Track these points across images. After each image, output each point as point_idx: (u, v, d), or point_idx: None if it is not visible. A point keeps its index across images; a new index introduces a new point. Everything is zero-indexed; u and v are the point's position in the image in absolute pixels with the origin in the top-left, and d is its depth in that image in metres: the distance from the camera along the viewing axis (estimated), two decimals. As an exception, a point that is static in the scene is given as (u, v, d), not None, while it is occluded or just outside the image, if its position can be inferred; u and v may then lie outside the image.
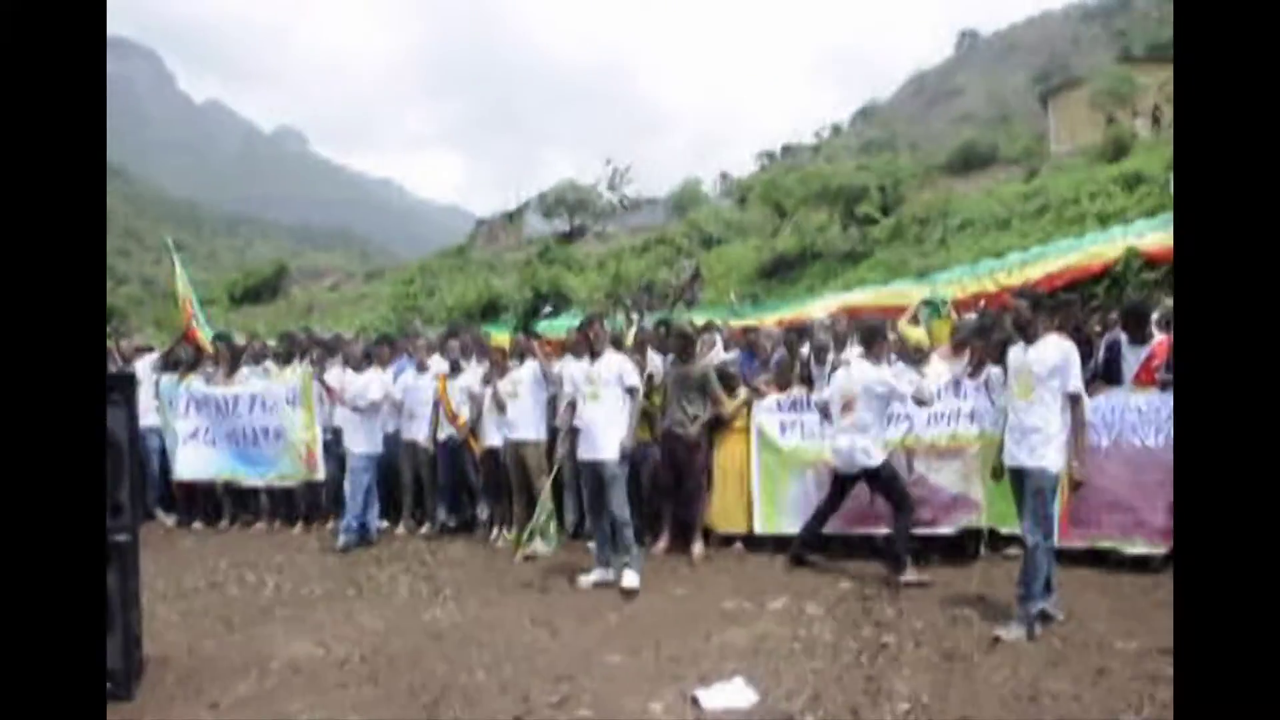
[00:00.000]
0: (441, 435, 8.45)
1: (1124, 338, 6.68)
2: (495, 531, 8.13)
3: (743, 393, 7.46)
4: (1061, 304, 7.66)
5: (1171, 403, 6.00)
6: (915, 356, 6.91)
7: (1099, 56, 51.11)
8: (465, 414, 8.31)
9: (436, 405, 8.48)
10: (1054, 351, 4.90)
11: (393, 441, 8.58)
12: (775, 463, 7.22)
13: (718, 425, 7.33)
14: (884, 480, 6.24)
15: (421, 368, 8.74)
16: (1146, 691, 4.03)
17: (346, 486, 8.07)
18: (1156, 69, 33.52)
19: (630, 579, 6.13)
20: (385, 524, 8.56)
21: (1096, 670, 4.32)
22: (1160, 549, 5.94)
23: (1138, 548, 6.04)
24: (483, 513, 8.40)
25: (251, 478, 9.10)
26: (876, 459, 6.17)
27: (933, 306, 8.54)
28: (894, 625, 5.14)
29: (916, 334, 7.22)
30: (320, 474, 8.66)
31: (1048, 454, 4.88)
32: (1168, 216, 11.81)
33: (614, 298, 22.20)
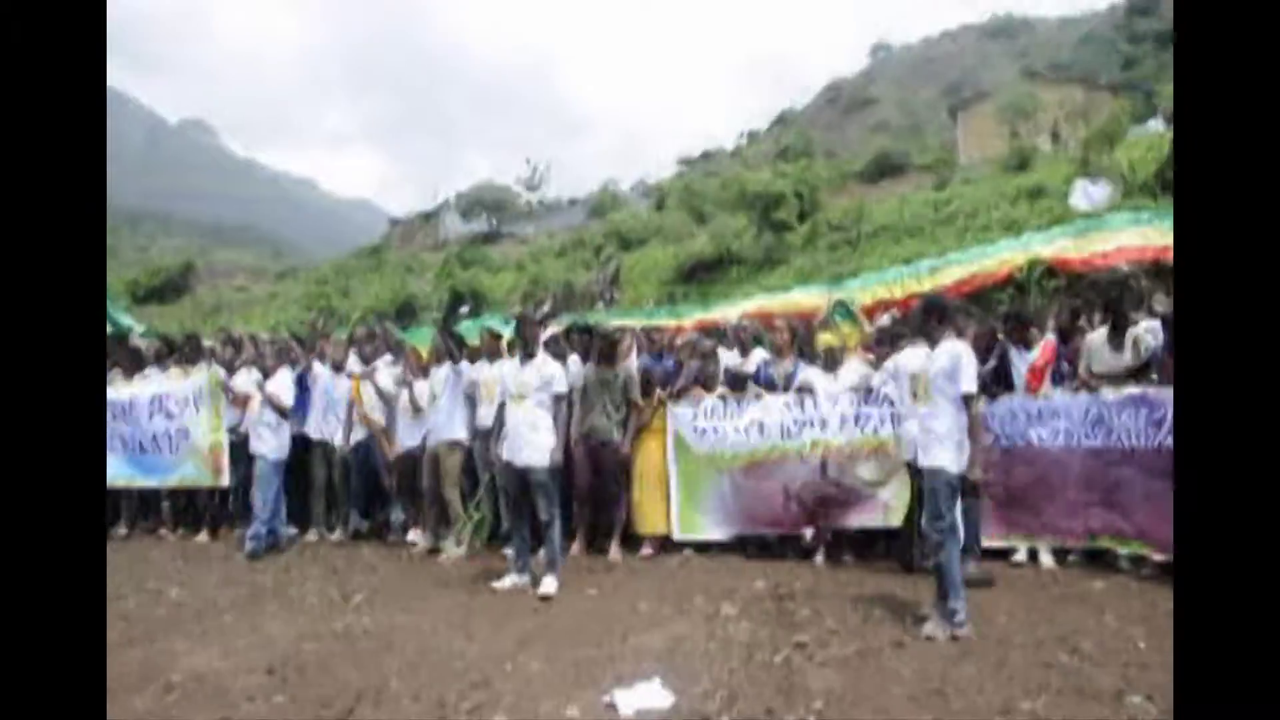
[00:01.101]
0: (355, 438, 8.28)
1: (1010, 344, 6.93)
2: (410, 536, 8.01)
3: (661, 393, 7.51)
4: (967, 310, 7.91)
5: (1070, 403, 6.28)
6: (831, 360, 7.05)
7: (1004, 73, 53.01)
8: (379, 416, 8.17)
9: (350, 407, 8.30)
10: (947, 355, 5.03)
11: (303, 444, 8.36)
12: (692, 467, 7.28)
13: (637, 429, 7.35)
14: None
15: (337, 368, 8.55)
16: (1043, 680, 4.21)
17: (254, 491, 7.82)
18: (1056, 87, 35.04)
19: (549, 585, 6.10)
20: (295, 530, 8.34)
21: (998, 662, 4.48)
22: (1063, 544, 6.19)
23: (1040, 544, 6.27)
24: (396, 517, 8.26)
25: (150, 483, 8.76)
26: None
27: (844, 309, 8.72)
28: (808, 624, 5.23)
29: (830, 338, 7.36)
30: (226, 479, 8.38)
31: (942, 455, 5.00)
32: (1067, 227, 12.33)
33: (532, 299, 22.07)
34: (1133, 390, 6.06)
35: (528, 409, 6.23)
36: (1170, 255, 9.82)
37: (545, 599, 5.98)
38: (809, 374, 7.07)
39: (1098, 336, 6.60)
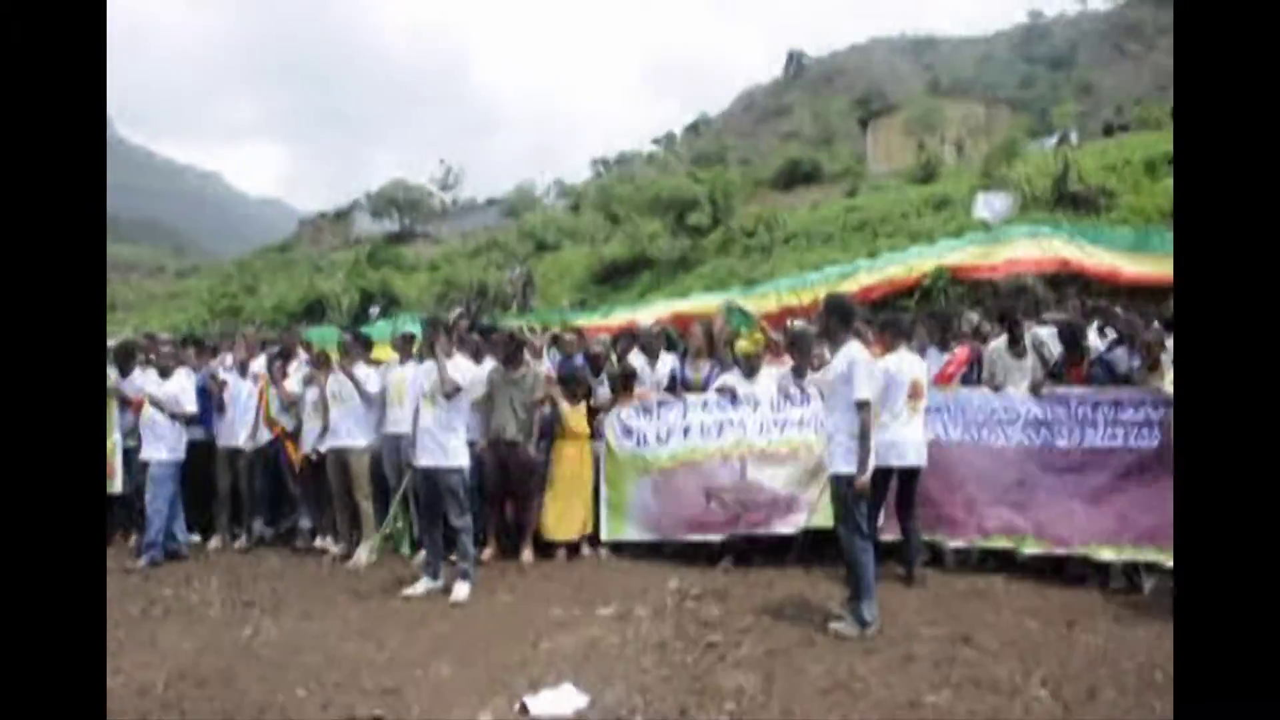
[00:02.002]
0: (259, 441, 8.04)
1: (928, 345, 7.18)
2: (317, 542, 7.81)
3: (603, 391, 7.51)
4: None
5: (969, 402, 6.49)
6: (749, 365, 7.14)
7: (911, 87, 54.63)
8: (285, 419, 7.94)
9: (256, 410, 8.05)
10: (843, 361, 5.11)
11: (206, 449, 8.07)
12: (616, 470, 7.29)
13: (557, 433, 7.32)
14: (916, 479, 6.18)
15: (242, 370, 8.28)
16: (946, 674, 4.35)
17: (148, 498, 7.45)
18: (960, 103, 36.30)
19: (461, 590, 6.03)
20: (195, 538, 8.04)
21: (904, 657, 4.61)
22: (958, 542, 6.39)
23: (939, 538, 6.47)
24: (304, 523, 8.04)
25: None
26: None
27: (740, 315, 8.84)
28: (720, 624, 5.28)
29: (747, 343, 7.45)
30: (120, 485, 8.00)
31: (839, 460, 5.09)
32: (972, 236, 12.78)
33: (445, 301, 21.78)
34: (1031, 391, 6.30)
35: (441, 411, 6.14)
36: (1066, 266, 10.28)
37: (457, 604, 5.90)
38: (729, 377, 7.15)
39: (999, 345, 6.84)
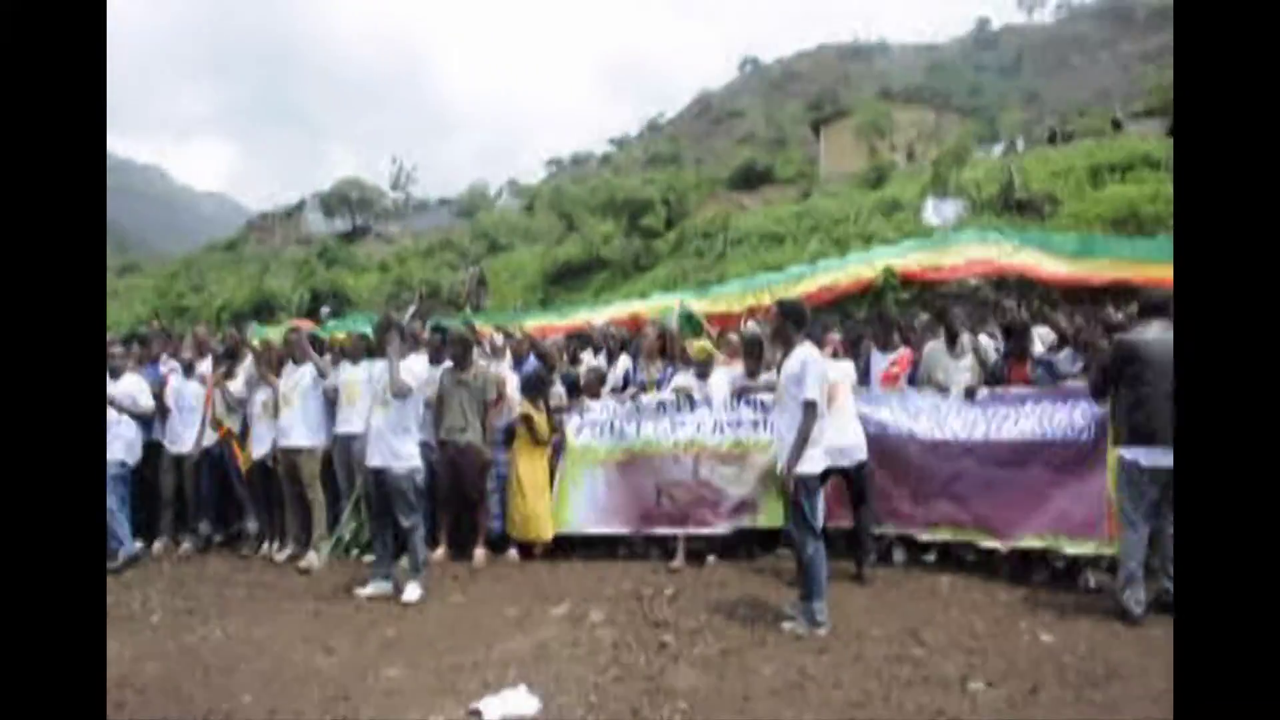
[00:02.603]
0: (205, 443, 7.87)
1: (873, 346, 7.37)
2: (265, 546, 7.67)
3: (558, 390, 7.49)
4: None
5: (912, 400, 6.60)
6: (703, 366, 7.17)
7: (863, 92, 55.28)
8: (232, 421, 7.79)
9: (203, 412, 7.89)
10: (796, 362, 5.17)
11: (151, 451, 7.89)
12: (573, 465, 7.31)
13: (523, 438, 7.26)
14: (867, 473, 6.30)
15: (188, 370, 8.10)
16: (895, 671, 4.42)
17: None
18: (910, 109, 36.82)
19: (412, 592, 5.97)
20: (140, 543, 7.85)
21: (854, 655, 4.67)
22: (906, 531, 6.49)
23: (888, 530, 6.57)
24: (251, 527, 7.89)
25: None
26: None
27: (686, 318, 8.89)
28: (673, 625, 5.29)
29: (701, 345, 7.48)
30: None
31: (802, 458, 5.12)
32: (920, 240, 13.01)
33: (397, 300, 21.56)
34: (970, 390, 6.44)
35: (392, 411, 6.07)
36: (1012, 270, 10.50)
37: (408, 606, 5.84)
38: (685, 378, 7.19)
39: (937, 346, 6.96)
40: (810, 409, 5.06)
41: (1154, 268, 9.11)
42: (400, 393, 6.00)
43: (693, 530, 6.87)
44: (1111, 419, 5.52)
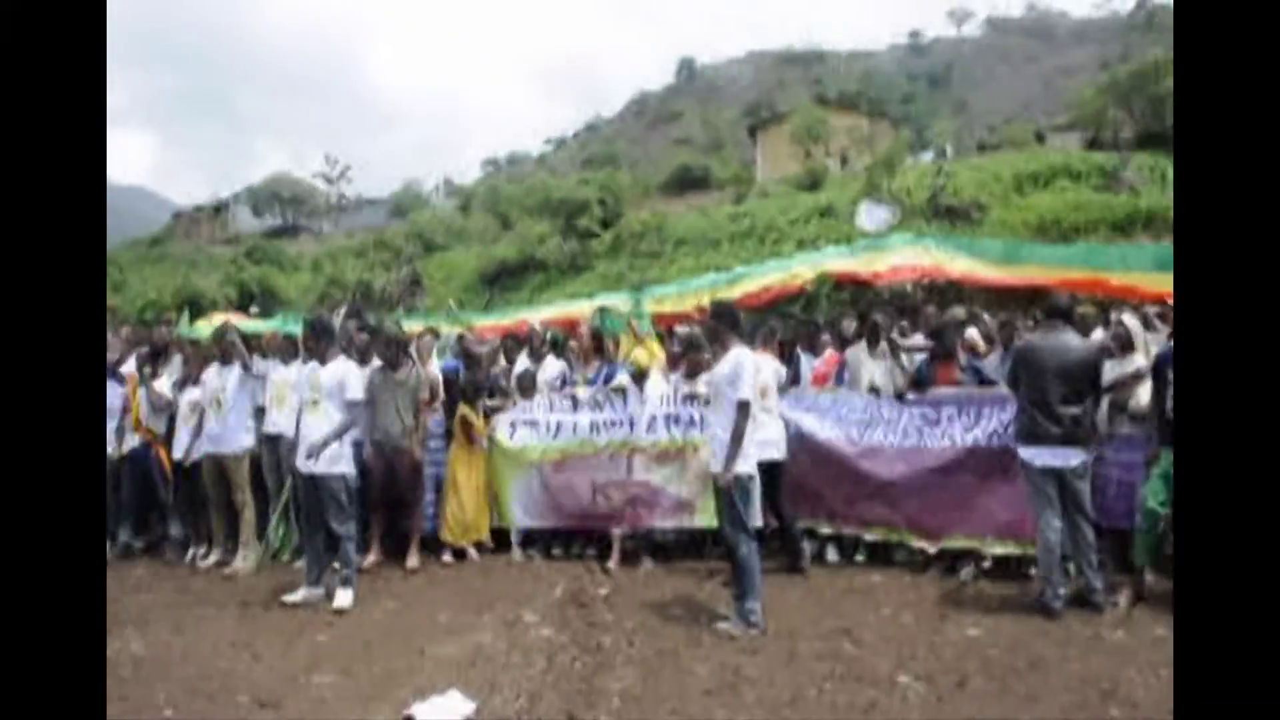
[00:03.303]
0: (126, 446, 7.61)
1: (800, 349, 7.50)
2: (189, 552, 7.44)
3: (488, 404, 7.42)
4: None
5: (847, 403, 6.70)
6: (639, 367, 7.18)
7: (799, 98, 55.98)
8: (156, 423, 7.55)
9: (124, 413, 7.62)
10: (730, 363, 5.22)
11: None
12: (505, 462, 7.28)
13: (459, 440, 7.20)
14: (781, 473, 6.34)
15: (111, 371, 7.81)
16: (828, 669, 4.47)
17: None
18: (844, 115, 37.40)
19: (344, 598, 5.86)
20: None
21: (788, 654, 4.71)
22: (840, 530, 6.58)
23: (823, 528, 6.66)
24: (175, 532, 7.64)
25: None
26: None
27: (611, 317, 8.90)
28: (608, 627, 5.29)
29: (635, 346, 7.49)
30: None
31: (722, 460, 5.17)
32: (854, 245, 13.22)
33: (329, 300, 21.15)
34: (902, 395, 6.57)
35: (322, 414, 5.94)
36: (942, 274, 10.72)
37: (340, 612, 5.73)
38: (622, 378, 7.19)
39: (860, 349, 7.09)
40: (744, 409, 5.10)
41: (1075, 273, 9.41)
42: (337, 394, 5.91)
43: (629, 528, 6.86)
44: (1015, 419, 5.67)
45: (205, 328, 10.09)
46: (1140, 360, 5.86)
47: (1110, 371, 5.80)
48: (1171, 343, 5.72)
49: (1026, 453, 5.33)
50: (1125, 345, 6.02)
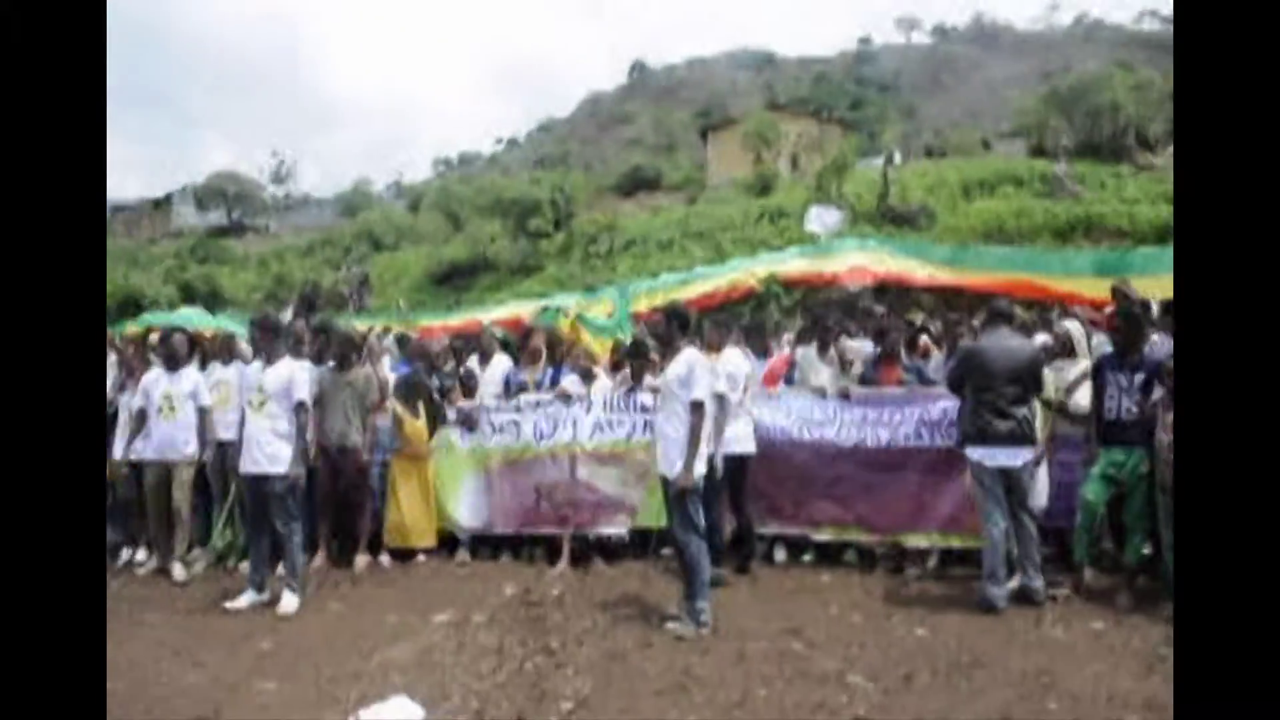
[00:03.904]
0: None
1: (749, 352, 7.50)
2: (124, 556, 7.23)
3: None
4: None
5: (794, 404, 6.75)
6: (587, 369, 7.16)
7: (750, 102, 56.44)
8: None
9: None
10: (682, 365, 5.24)
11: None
12: (454, 464, 7.22)
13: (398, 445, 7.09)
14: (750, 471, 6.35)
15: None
16: (777, 669, 4.50)
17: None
18: (795, 119, 37.79)
19: (289, 602, 5.75)
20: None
21: (738, 654, 4.73)
22: (790, 530, 6.63)
23: (771, 529, 6.71)
24: (111, 538, 7.42)
25: None
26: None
27: (554, 313, 8.92)
28: (558, 629, 5.27)
29: (593, 349, 7.48)
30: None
31: (679, 461, 5.16)
32: (803, 248, 13.38)
33: (275, 299, 20.80)
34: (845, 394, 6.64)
35: (266, 416, 5.83)
36: (890, 277, 10.90)
37: (284, 617, 5.62)
38: (568, 380, 7.17)
39: (809, 350, 7.17)
40: (699, 410, 5.12)
41: (1020, 277, 9.63)
42: (283, 395, 5.81)
43: (574, 531, 6.85)
44: (959, 420, 5.78)
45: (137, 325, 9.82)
46: (1084, 364, 6.00)
47: (1058, 375, 5.93)
48: (1108, 348, 5.87)
49: (977, 453, 5.43)
50: (1068, 349, 6.16)
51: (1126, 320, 5.74)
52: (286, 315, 11.28)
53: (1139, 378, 5.44)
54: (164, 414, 6.81)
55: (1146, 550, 5.65)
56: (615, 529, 6.86)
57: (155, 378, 6.96)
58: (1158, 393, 5.32)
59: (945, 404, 6.17)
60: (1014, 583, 5.44)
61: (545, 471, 7.00)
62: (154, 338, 7.40)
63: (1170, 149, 23.06)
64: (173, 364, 6.96)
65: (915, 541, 6.25)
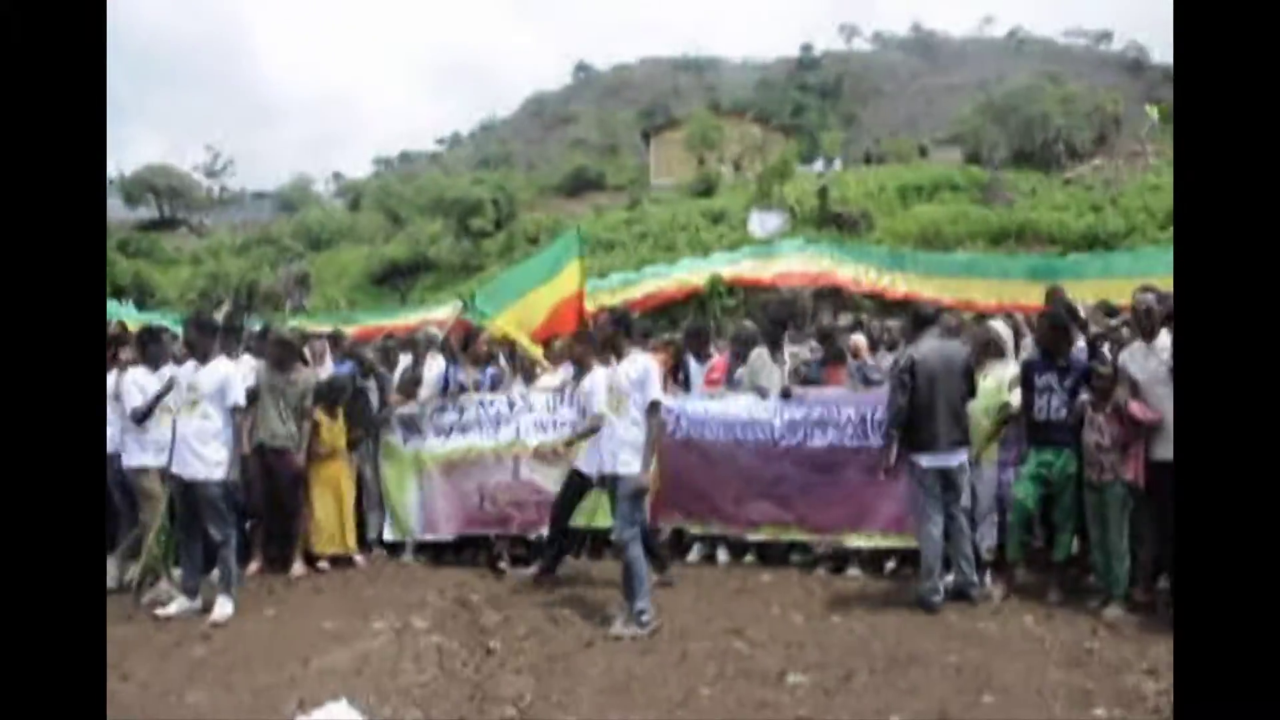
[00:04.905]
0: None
1: (689, 355, 7.61)
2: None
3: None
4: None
5: (736, 405, 6.79)
6: (528, 368, 7.14)
7: (693, 104, 56.73)
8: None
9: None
10: (637, 367, 5.29)
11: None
12: (397, 470, 7.12)
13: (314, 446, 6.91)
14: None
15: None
16: (719, 668, 4.53)
17: None
18: (738, 123, 38.11)
19: (222, 609, 5.60)
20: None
21: (679, 655, 4.76)
22: (731, 531, 6.68)
23: (713, 530, 6.75)
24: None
25: None
26: None
27: (478, 309, 8.87)
28: (499, 631, 5.23)
29: (534, 350, 7.43)
30: None
31: (634, 461, 5.23)
32: (745, 250, 13.50)
33: (209, 298, 20.31)
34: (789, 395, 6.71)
35: (199, 417, 5.68)
36: (831, 280, 11.05)
37: (217, 625, 5.48)
38: (510, 380, 7.13)
39: (762, 351, 7.23)
40: (657, 410, 5.19)
41: (954, 282, 9.85)
42: (216, 397, 5.65)
43: (517, 532, 6.81)
44: (894, 423, 5.80)
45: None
46: (1013, 366, 6.15)
47: (993, 376, 6.06)
48: (1038, 350, 6.01)
49: (925, 459, 5.51)
50: (997, 351, 6.31)
51: (1053, 324, 5.91)
52: (221, 314, 11.00)
53: (1067, 380, 5.60)
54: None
55: (1074, 547, 5.82)
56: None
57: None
58: (1085, 394, 5.49)
59: (883, 405, 6.26)
60: (948, 579, 5.56)
61: (489, 473, 6.94)
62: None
63: (1095, 160, 23.85)
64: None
65: (856, 542, 6.34)
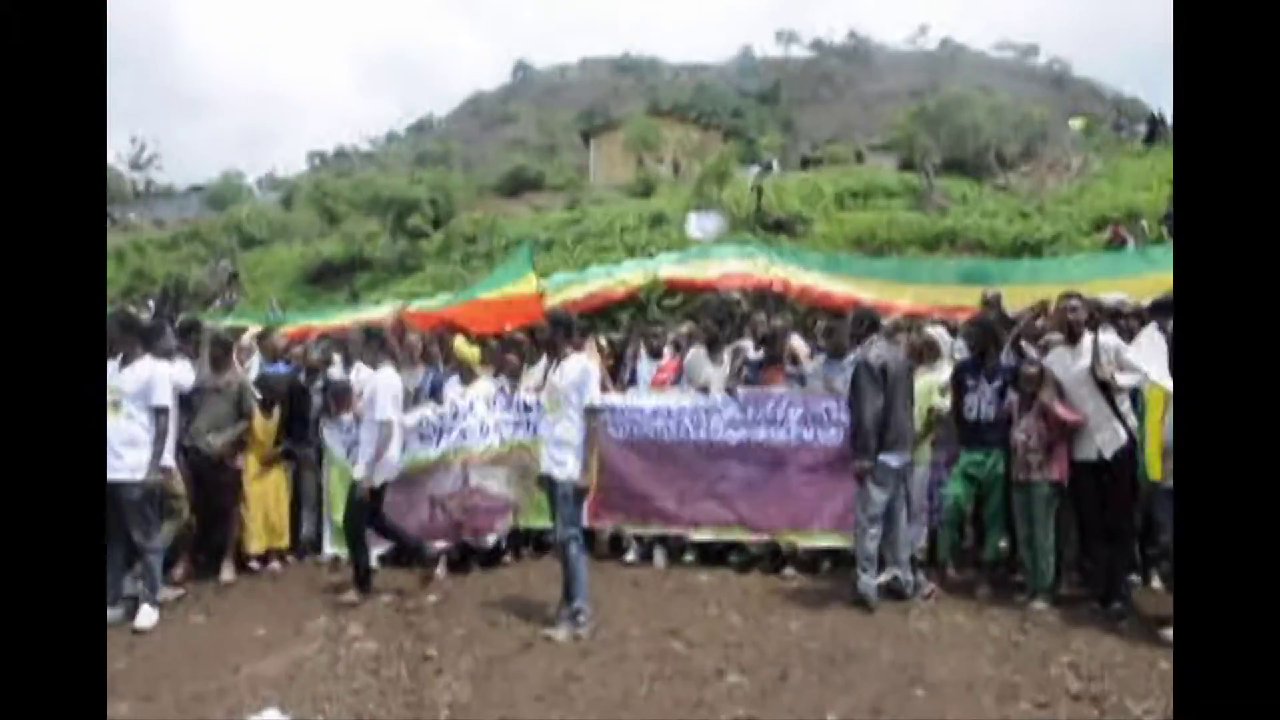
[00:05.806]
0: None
1: (643, 353, 7.70)
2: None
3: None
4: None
5: (678, 403, 6.82)
6: (467, 371, 7.05)
7: (633, 106, 56.83)
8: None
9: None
10: (575, 369, 5.28)
11: None
12: (338, 481, 6.90)
13: (248, 444, 6.78)
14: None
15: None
16: (658, 669, 4.55)
17: None
18: (677, 125, 38.27)
19: (146, 616, 5.44)
20: None
21: (619, 655, 4.76)
22: (672, 531, 6.70)
23: (652, 530, 6.76)
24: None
25: None
26: None
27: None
28: (436, 636, 5.18)
29: (469, 351, 7.35)
30: None
31: (570, 463, 5.21)
32: (683, 252, 13.57)
33: (135, 295, 19.69)
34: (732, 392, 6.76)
35: (122, 418, 5.49)
36: (768, 283, 11.15)
37: (141, 632, 5.32)
38: (449, 384, 7.04)
39: (699, 352, 7.28)
40: (595, 414, 5.20)
41: (890, 286, 10.03)
42: (141, 398, 5.48)
43: (468, 539, 6.73)
44: (872, 425, 5.87)
45: None
46: (947, 369, 6.29)
47: (923, 379, 6.19)
48: (970, 353, 6.15)
49: (890, 457, 5.56)
50: (933, 355, 6.45)
51: (983, 328, 6.05)
52: (147, 313, 10.68)
53: (996, 382, 5.75)
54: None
55: (1003, 545, 5.97)
56: (502, 532, 6.81)
57: None
58: (1012, 395, 5.64)
59: (828, 403, 6.34)
60: (885, 577, 5.65)
61: (439, 482, 6.78)
62: None
63: (1023, 168, 24.51)
64: None
65: (799, 541, 6.39)
